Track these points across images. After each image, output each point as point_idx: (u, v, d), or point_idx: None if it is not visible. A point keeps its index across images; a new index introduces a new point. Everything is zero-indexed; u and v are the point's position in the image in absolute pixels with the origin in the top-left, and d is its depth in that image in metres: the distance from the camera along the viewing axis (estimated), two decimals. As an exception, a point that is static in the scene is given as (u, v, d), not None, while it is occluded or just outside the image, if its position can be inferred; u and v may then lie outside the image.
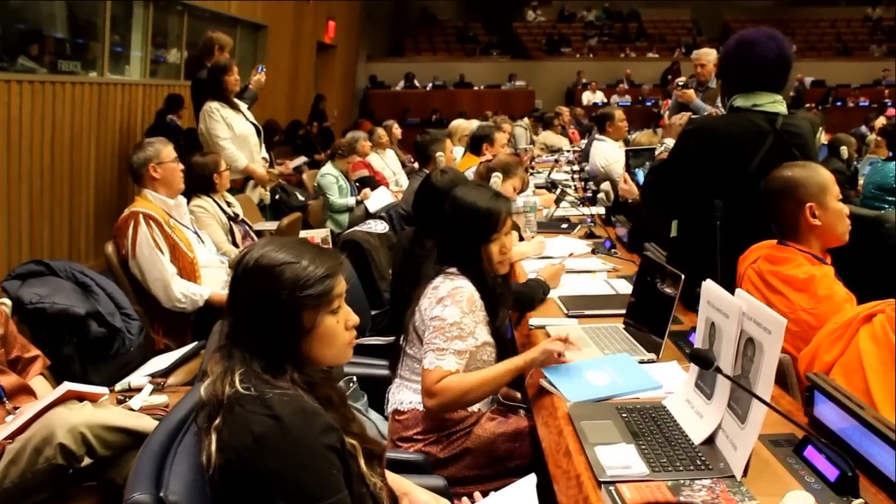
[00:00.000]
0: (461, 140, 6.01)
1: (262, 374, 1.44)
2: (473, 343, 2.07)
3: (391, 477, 1.79)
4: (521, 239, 3.83)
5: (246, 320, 1.48)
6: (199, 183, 4.21)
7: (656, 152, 3.70)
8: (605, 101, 14.93)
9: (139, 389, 2.56)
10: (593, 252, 3.12)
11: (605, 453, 1.53)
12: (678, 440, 1.59)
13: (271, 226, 5.09)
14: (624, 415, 1.72)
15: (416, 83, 16.74)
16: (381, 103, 15.81)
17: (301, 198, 6.08)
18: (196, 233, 3.75)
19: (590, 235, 3.84)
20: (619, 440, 1.60)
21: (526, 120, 10.05)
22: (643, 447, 1.57)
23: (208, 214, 4.18)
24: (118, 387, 2.59)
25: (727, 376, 1.46)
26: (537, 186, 5.46)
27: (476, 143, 4.81)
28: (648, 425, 1.67)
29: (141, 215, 3.45)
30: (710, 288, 1.70)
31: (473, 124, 5.64)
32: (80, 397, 2.18)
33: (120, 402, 2.46)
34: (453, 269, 2.17)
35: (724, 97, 2.59)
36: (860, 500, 1.36)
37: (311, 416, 1.40)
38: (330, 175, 6.46)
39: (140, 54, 7.03)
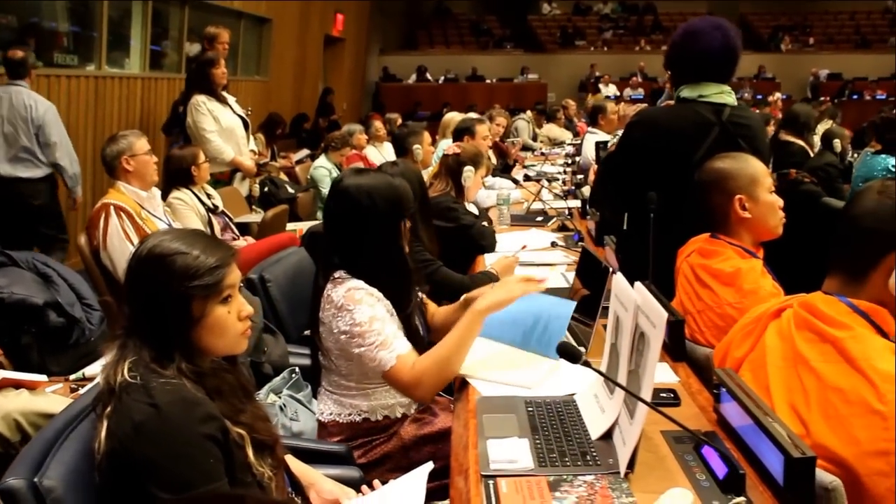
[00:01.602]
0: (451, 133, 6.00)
1: (151, 363, 1.45)
2: (398, 322, 2.02)
3: (298, 467, 1.80)
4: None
5: (138, 309, 1.49)
6: (177, 175, 4.24)
7: (609, 143, 3.66)
8: (619, 94, 14.81)
9: (93, 379, 2.58)
10: (553, 245, 3.10)
11: (495, 447, 1.52)
12: (576, 435, 1.58)
13: (256, 218, 5.12)
14: (530, 409, 1.71)
15: (429, 76, 16.72)
16: (392, 97, 15.82)
17: (291, 190, 6.10)
18: (169, 224, 3.78)
19: (562, 228, 3.82)
20: (514, 434, 1.58)
21: (529, 113, 9.99)
22: (538, 442, 1.56)
23: (187, 206, 4.21)
24: (73, 376, 2.61)
25: (597, 370, 1.45)
26: (526, 178, 5.44)
27: (458, 136, 4.79)
28: (551, 420, 1.65)
29: (112, 207, 3.49)
30: (617, 281, 1.69)
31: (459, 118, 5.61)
32: (17, 385, 2.21)
33: (73, 391, 2.48)
34: (342, 273, 2.05)
35: (673, 88, 2.57)
36: (742, 499, 1.34)
37: (190, 405, 1.40)
38: (323, 168, 6.48)
39: (139, 48, 7.08)
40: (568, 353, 1.45)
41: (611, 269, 2.06)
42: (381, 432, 2.06)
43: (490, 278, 2.76)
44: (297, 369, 2.45)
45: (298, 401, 2.37)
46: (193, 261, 1.47)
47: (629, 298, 1.56)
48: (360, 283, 2.03)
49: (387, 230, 2.08)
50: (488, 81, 16.46)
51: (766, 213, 2.03)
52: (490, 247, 3.34)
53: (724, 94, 2.45)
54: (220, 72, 5.34)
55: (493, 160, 6.40)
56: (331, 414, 2.09)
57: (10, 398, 2.17)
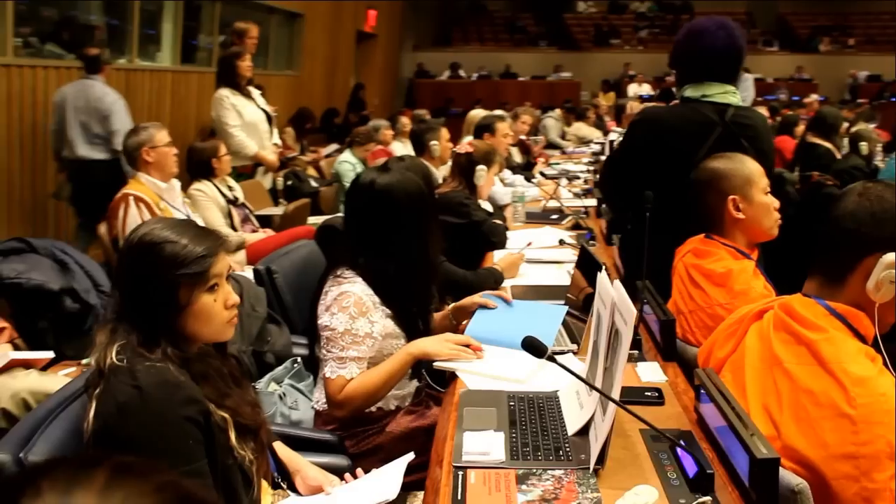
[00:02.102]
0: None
1: (138, 347, 1.50)
2: (371, 344, 2.03)
3: (286, 453, 1.84)
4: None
5: (127, 295, 1.54)
6: (198, 167, 4.33)
7: (614, 142, 3.65)
8: (652, 93, 14.67)
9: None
10: (561, 243, 3.11)
11: (470, 439, 1.55)
12: (553, 430, 1.59)
13: (277, 211, 5.19)
14: (512, 403, 1.73)
15: (462, 73, 16.72)
16: (425, 93, 15.85)
17: (314, 184, 6.16)
18: (188, 216, 3.84)
19: (576, 227, 3.82)
20: (492, 427, 1.60)
21: (558, 111, 9.95)
22: (514, 435, 1.57)
23: (207, 198, 4.29)
24: (84, 360, 2.69)
25: (562, 365, 1.46)
26: (543, 175, 5.43)
27: (478, 133, 4.81)
28: (531, 415, 1.67)
29: (131, 198, 3.57)
30: (601, 278, 1.70)
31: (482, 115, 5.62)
32: (26, 365, 2.29)
33: (85, 375, 2.56)
34: (344, 270, 2.08)
35: (677, 88, 2.56)
36: (707, 498, 1.35)
37: (172, 387, 1.45)
38: (347, 162, 6.52)
39: (171, 42, 7.21)
40: (532, 347, 1.47)
41: (602, 267, 2.07)
42: (374, 423, 2.10)
43: (493, 274, 2.78)
44: (299, 359, 2.49)
45: (299, 390, 2.41)
46: (181, 249, 1.51)
47: (608, 295, 1.57)
48: (357, 289, 2.04)
49: (411, 231, 2.11)
50: (521, 79, 16.41)
51: (760, 215, 2.02)
52: (500, 244, 3.36)
53: (727, 94, 2.44)
54: (245, 65, 5.41)
55: (518, 157, 6.41)
56: (325, 403, 2.13)
57: (19, 378, 2.24)
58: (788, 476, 1.33)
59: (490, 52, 17.41)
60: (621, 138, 3.07)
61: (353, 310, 2.01)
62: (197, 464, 1.43)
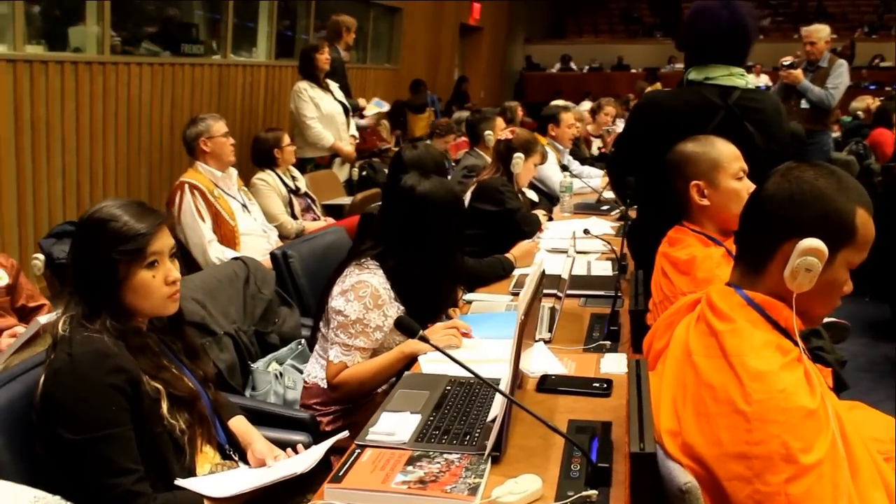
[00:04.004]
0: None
1: (81, 319, 1.59)
2: (380, 336, 2.08)
3: (242, 428, 1.88)
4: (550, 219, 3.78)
5: (75, 269, 1.64)
6: (261, 157, 4.50)
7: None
8: (770, 84, 13.90)
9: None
10: (585, 233, 3.02)
11: (384, 419, 1.55)
12: (473, 416, 1.57)
13: (345, 200, 5.31)
14: (448, 387, 1.71)
15: (573, 66, 16.49)
16: (534, 85, 15.76)
17: (389, 175, 6.25)
18: (244, 204, 4.00)
19: (623, 218, 3.70)
20: (412, 409, 1.59)
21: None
22: (431, 419, 1.56)
23: (269, 187, 4.46)
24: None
25: (437, 347, 1.43)
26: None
27: (543, 123, 4.75)
28: (462, 399, 1.65)
29: (186, 185, 3.75)
30: (532, 271, 1.65)
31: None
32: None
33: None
34: (368, 260, 2.14)
35: (684, 72, 2.43)
36: (592, 492, 1.29)
37: (101, 356, 1.53)
38: (427, 154, 6.58)
39: (266, 36, 7.50)
40: (404, 326, 1.45)
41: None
42: (355, 401, 2.13)
43: (503, 263, 2.74)
44: (303, 341, 2.56)
45: (300, 371, 2.48)
46: (121, 227, 1.59)
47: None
48: (376, 281, 2.10)
49: (443, 233, 2.16)
50: (633, 71, 15.98)
51: (726, 201, 1.89)
52: (532, 233, 3.31)
53: (733, 77, 2.30)
54: (323, 58, 5.58)
55: (595, 148, 6.28)
56: (314, 377, 2.19)
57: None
58: (679, 475, 1.25)
59: (603, 43, 17.06)
60: None
61: (368, 300, 2.07)
62: (119, 428, 1.50)
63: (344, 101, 5.76)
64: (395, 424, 1.51)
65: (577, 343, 2.07)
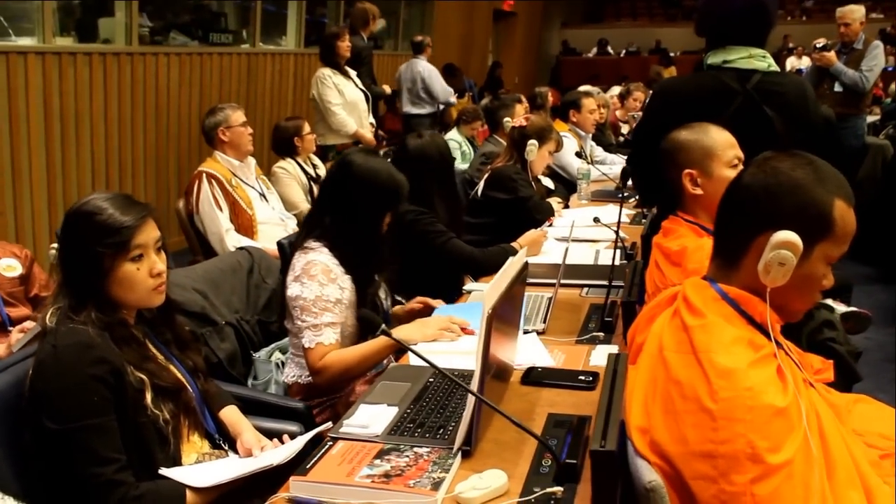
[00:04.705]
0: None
1: (68, 310, 1.61)
2: (342, 310, 2.08)
3: (233, 418, 1.89)
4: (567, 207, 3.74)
5: (63, 262, 1.66)
6: (281, 146, 4.52)
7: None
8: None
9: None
10: (595, 221, 2.97)
11: (361, 411, 1.54)
12: (451, 410, 1.56)
13: (368, 188, 5.31)
14: (431, 380, 1.70)
15: (610, 50, 16.26)
16: (571, 70, 15.58)
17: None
18: (262, 193, 4.02)
19: (640, 205, 3.64)
20: (391, 402, 1.59)
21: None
22: (408, 412, 1.55)
23: (289, 175, 4.47)
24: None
25: (397, 340, 1.41)
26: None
27: (564, 109, 4.69)
28: (442, 393, 1.63)
29: (204, 175, 3.78)
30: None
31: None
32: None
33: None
34: (309, 242, 2.14)
35: (703, 56, 2.36)
36: (558, 489, 1.28)
37: (84, 348, 1.55)
38: (453, 140, 6.54)
39: (295, 24, 7.52)
40: (366, 320, 1.44)
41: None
42: (337, 392, 2.13)
43: (507, 252, 2.71)
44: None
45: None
46: (106, 219, 1.61)
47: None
48: (324, 257, 2.10)
49: (372, 213, 2.16)
50: (672, 55, 15.69)
51: (720, 190, 1.81)
52: (544, 221, 3.28)
53: (752, 59, 2.21)
54: (344, 45, 5.57)
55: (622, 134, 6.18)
56: (293, 376, 2.19)
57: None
58: (645, 473, 1.23)
59: (641, 27, 16.79)
60: None
61: (321, 277, 2.07)
62: (101, 418, 1.52)
63: (364, 88, 5.76)
64: (370, 417, 1.51)
65: (571, 334, 2.04)
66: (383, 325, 1.43)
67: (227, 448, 1.84)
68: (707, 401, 1.19)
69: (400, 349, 2.05)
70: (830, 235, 1.24)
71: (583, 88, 6.49)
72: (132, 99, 5.52)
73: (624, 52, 16.18)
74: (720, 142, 1.87)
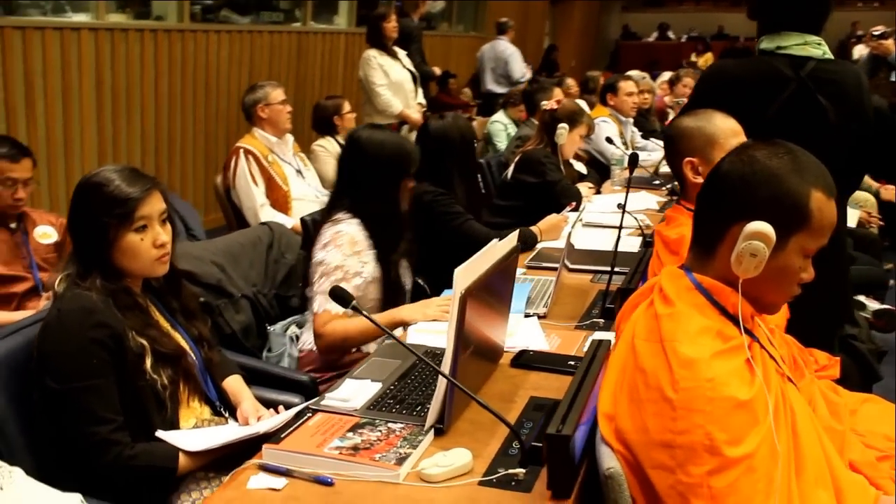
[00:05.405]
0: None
1: (76, 277, 1.69)
2: (359, 283, 2.13)
3: (235, 386, 1.95)
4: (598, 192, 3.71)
5: (72, 231, 1.74)
6: (321, 124, 4.58)
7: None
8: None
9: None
10: (619, 207, 2.93)
11: (346, 385, 1.58)
12: (433, 389, 1.56)
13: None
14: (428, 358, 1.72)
15: (671, 35, 15.92)
16: (630, 55, 15.29)
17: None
18: (298, 170, 4.09)
19: (672, 192, 3.59)
20: (376, 377, 1.61)
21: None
22: (391, 388, 1.58)
23: (328, 153, 4.53)
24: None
25: (368, 317, 1.43)
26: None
27: (603, 93, 4.64)
28: (426, 372, 1.65)
29: (242, 150, 3.87)
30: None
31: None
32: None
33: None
34: (341, 214, 2.21)
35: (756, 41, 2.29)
36: (521, 470, 1.28)
37: (86, 312, 1.62)
38: (499, 123, 6.52)
39: (347, 3, 7.57)
40: (337, 296, 1.46)
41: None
42: (349, 366, 2.17)
43: (525, 236, 2.70)
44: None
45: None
46: (113, 191, 1.67)
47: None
48: (352, 229, 2.16)
49: (388, 180, 2.19)
50: (736, 40, 15.28)
51: None
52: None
53: (807, 46, 2.13)
54: (391, 26, 5.60)
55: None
56: (309, 344, 2.24)
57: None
58: (605, 459, 1.23)
59: (704, 11, 16.35)
60: None
61: (346, 248, 2.14)
62: (99, 380, 1.59)
63: (412, 69, 5.78)
64: (353, 392, 1.54)
65: (573, 319, 2.04)
66: (354, 302, 1.45)
67: (227, 416, 1.90)
68: (668, 390, 1.18)
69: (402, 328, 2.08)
70: (806, 227, 1.21)
71: (634, 73, 6.40)
72: (182, 76, 5.65)
73: (685, 37, 15.81)
74: (724, 129, 1.83)
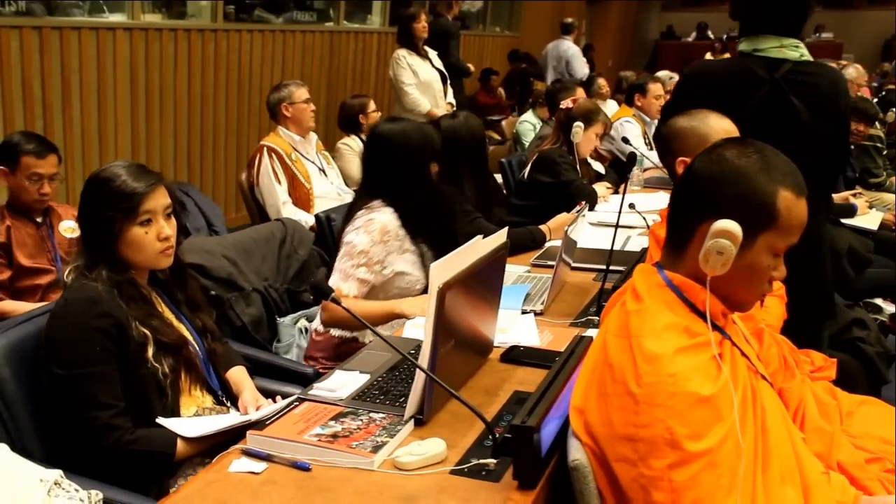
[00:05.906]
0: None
1: (84, 269, 1.77)
2: (380, 271, 2.18)
3: (238, 377, 2.01)
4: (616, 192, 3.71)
5: (81, 224, 1.82)
6: (346, 122, 4.65)
7: None
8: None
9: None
10: (631, 207, 2.93)
11: (336, 376, 1.62)
12: (420, 381, 1.61)
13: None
14: (413, 352, 1.75)
15: (709, 34, 15.71)
16: (668, 55, 15.13)
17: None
18: (321, 168, 4.16)
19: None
20: (365, 369, 1.66)
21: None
22: (379, 380, 1.62)
23: (352, 152, 4.60)
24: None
25: (348, 310, 1.47)
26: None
27: (630, 93, 4.63)
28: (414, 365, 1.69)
29: (265, 148, 3.95)
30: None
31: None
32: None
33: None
34: (376, 202, 2.25)
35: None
36: (490, 461, 1.32)
37: (90, 302, 1.69)
38: (528, 122, 6.54)
39: (380, 3, 7.64)
40: (318, 288, 1.50)
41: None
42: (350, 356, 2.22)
43: (534, 235, 2.73)
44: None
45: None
46: (119, 185, 1.75)
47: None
48: (385, 217, 2.22)
49: (418, 165, 2.28)
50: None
51: None
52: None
53: (784, 49, 2.15)
54: (420, 26, 5.66)
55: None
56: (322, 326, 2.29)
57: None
58: (572, 452, 1.26)
59: (746, 10, 16.07)
60: None
61: (376, 235, 2.19)
62: (102, 367, 1.67)
63: (441, 68, 5.83)
64: (340, 382, 1.58)
65: (570, 317, 2.06)
66: (333, 294, 1.50)
67: (229, 405, 1.97)
68: (632, 384, 1.20)
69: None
70: (774, 226, 1.22)
71: (663, 73, 6.36)
72: (215, 75, 5.76)
73: (725, 36, 15.57)
74: (716, 130, 1.84)
